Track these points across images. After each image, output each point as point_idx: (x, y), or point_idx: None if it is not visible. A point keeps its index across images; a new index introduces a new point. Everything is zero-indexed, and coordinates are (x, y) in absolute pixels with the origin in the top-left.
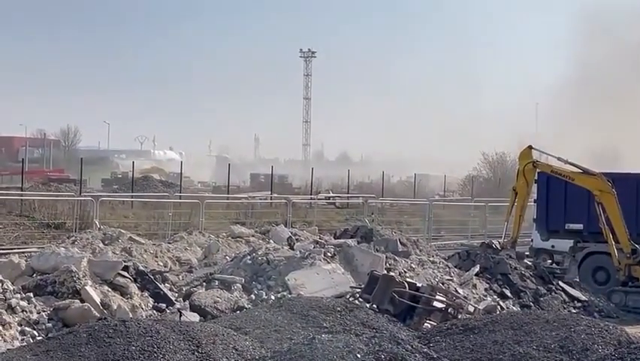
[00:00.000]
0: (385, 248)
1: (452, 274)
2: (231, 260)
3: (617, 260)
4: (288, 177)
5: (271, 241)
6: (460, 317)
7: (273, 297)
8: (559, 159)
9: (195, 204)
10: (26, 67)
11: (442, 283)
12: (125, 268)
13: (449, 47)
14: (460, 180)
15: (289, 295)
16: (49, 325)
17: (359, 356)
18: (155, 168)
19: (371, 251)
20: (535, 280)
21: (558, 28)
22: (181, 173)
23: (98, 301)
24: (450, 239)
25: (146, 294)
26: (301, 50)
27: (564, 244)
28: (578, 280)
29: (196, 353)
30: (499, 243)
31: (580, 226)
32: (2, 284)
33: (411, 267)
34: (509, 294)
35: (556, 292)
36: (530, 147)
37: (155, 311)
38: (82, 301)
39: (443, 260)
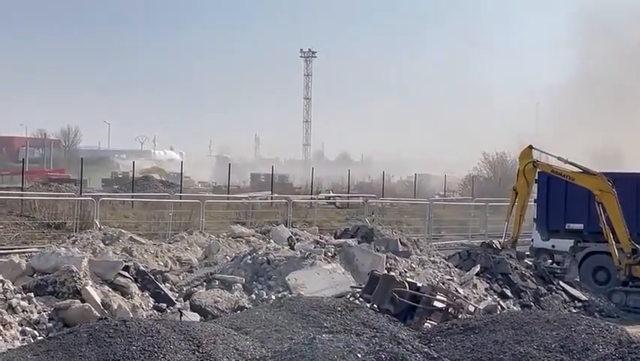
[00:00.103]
0: (386, 248)
1: (453, 274)
2: (232, 260)
3: (618, 260)
4: (288, 177)
5: (271, 240)
6: (460, 316)
7: (273, 297)
8: (559, 158)
9: (196, 204)
10: (26, 67)
11: (443, 283)
12: (126, 268)
13: (449, 47)
14: (461, 179)
15: (290, 295)
16: (50, 325)
17: (360, 355)
18: (155, 168)
19: (371, 251)
20: (535, 280)
21: (558, 28)
22: (181, 173)
23: (98, 301)
24: (450, 239)
25: (147, 294)
26: (301, 49)
27: (564, 244)
28: (578, 279)
29: (197, 353)
30: (500, 243)
31: (580, 226)
32: (3, 284)
33: (411, 267)
34: (510, 294)
35: (556, 292)
36: (531, 147)
37: (155, 311)
38: (82, 301)
39: (444, 260)
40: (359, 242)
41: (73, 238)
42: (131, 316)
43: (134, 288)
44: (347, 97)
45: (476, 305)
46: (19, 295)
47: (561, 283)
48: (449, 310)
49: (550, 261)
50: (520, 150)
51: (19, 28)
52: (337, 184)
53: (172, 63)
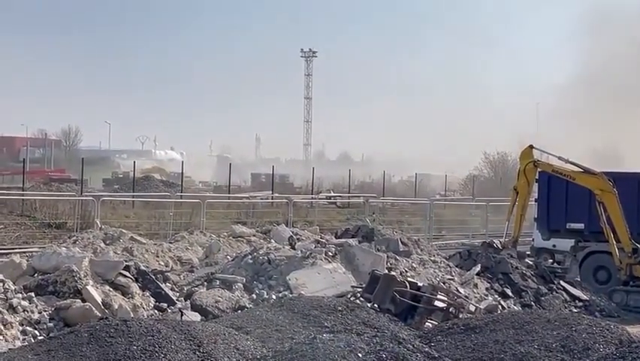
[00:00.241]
0: (386, 248)
1: (453, 274)
2: (232, 260)
3: (619, 259)
4: (289, 176)
5: (272, 240)
6: (461, 316)
7: (274, 296)
8: (560, 158)
9: (196, 203)
10: (27, 67)
11: (444, 283)
12: (127, 268)
13: (449, 47)
14: (461, 179)
15: (290, 295)
16: (51, 325)
17: (360, 355)
18: (156, 168)
19: (372, 251)
20: (536, 280)
21: (558, 28)
22: (182, 173)
23: (99, 300)
24: (451, 238)
25: (148, 294)
26: (302, 49)
27: (565, 244)
28: (579, 279)
29: (197, 353)
30: (501, 242)
31: (581, 226)
32: (4, 284)
33: (412, 266)
34: (510, 293)
35: (557, 292)
36: (531, 147)
37: (156, 311)
38: (83, 300)
39: (444, 260)
40: (360, 242)
41: (74, 238)
42: (132, 316)
43: (134, 288)
44: (347, 97)
45: (477, 305)
46: (20, 295)
47: (562, 282)
48: (450, 309)
49: (551, 260)
50: (520, 150)
51: (20, 28)
52: (338, 184)
53: (172, 63)
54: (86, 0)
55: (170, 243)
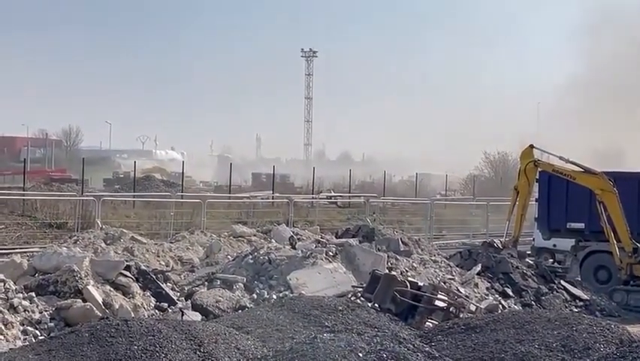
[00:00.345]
0: (387, 247)
1: (454, 273)
2: (233, 260)
3: (619, 259)
4: (289, 176)
5: (273, 240)
6: (461, 316)
7: (274, 296)
8: (560, 158)
9: (197, 203)
10: (27, 67)
11: (444, 283)
12: (127, 268)
13: (449, 47)
14: (462, 179)
15: (291, 295)
16: (52, 324)
17: (361, 355)
18: (156, 168)
19: (373, 250)
20: (536, 279)
21: (559, 28)
22: (183, 173)
23: (100, 300)
24: (451, 238)
25: (148, 293)
26: (302, 49)
27: (566, 243)
28: (579, 279)
29: (198, 353)
30: (501, 242)
31: (581, 225)
32: (4, 284)
33: (412, 266)
34: (511, 293)
35: (557, 291)
36: (532, 146)
37: (157, 311)
38: (84, 300)
39: (445, 259)
40: (360, 242)
41: (75, 238)
42: (133, 315)
43: (135, 288)
44: (348, 97)
45: (477, 304)
46: (21, 295)
47: (562, 282)
48: (450, 309)
49: (552, 260)
50: (521, 150)
51: (20, 28)
52: (338, 184)
53: (172, 63)
54: (86, 0)
55: (171, 243)
